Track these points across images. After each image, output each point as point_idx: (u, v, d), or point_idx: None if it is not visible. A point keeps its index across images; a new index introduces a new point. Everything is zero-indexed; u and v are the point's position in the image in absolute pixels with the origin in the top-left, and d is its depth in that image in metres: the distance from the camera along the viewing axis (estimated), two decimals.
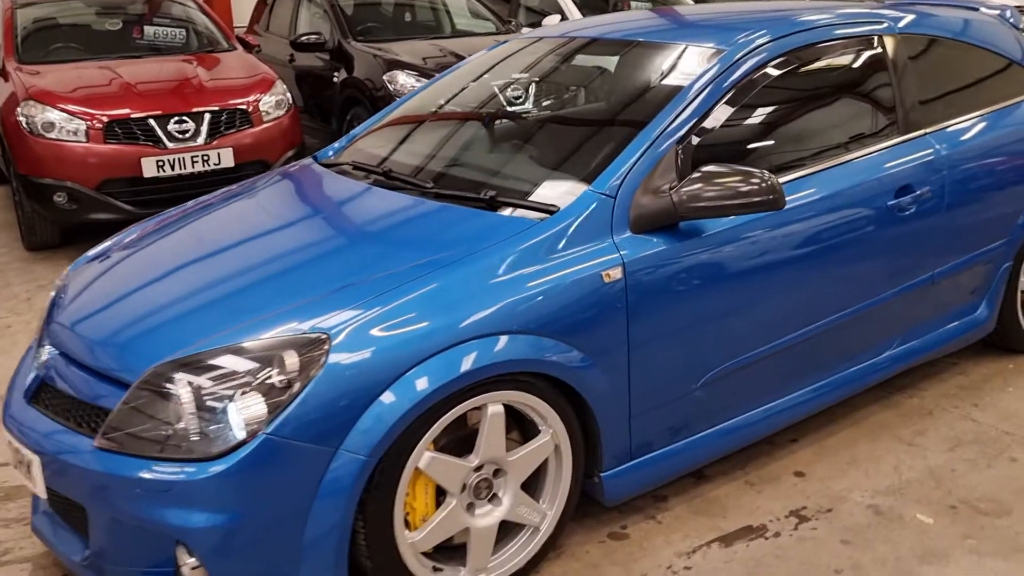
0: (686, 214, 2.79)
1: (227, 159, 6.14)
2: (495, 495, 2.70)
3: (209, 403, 2.34)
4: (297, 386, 2.33)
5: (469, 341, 2.49)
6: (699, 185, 2.79)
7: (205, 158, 6.07)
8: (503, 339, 2.53)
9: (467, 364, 2.47)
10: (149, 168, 5.95)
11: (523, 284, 2.61)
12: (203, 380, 2.36)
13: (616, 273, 2.73)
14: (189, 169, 6.03)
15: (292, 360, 2.36)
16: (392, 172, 3.28)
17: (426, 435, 2.48)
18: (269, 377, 2.35)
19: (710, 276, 2.91)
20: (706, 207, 2.78)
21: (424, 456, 2.50)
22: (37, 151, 5.91)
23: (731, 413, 3.13)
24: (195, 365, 2.39)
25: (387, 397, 2.39)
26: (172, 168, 5.99)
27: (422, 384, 2.41)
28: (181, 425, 2.32)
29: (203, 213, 3.42)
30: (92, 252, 3.33)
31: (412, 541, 2.54)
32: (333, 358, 2.36)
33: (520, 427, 2.76)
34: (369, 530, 2.46)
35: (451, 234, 2.83)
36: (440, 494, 2.60)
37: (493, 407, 2.59)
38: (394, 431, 2.39)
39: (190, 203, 3.63)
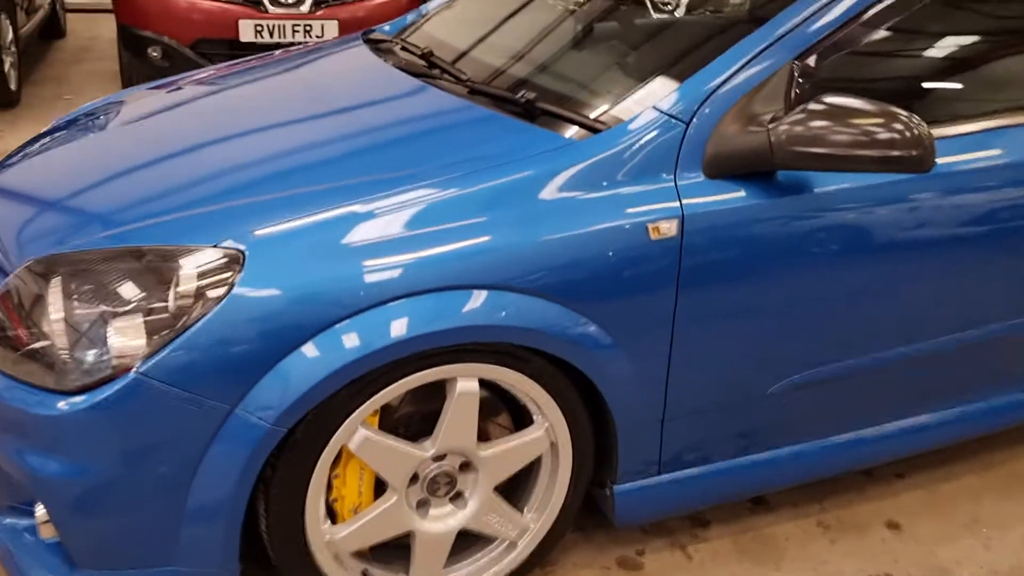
0: (788, 160, 1.98)
1: (331, 31, 5.57)
2: (459, 494, 2.05)
3: (80, 318, 1.77)
4: (189, 316, 1.73)
5: (437, 291, 1.82)
6: (817, 122, 1.97)
7: (307, 28, 5.54)
8: (483, 295, 1.84)
9: (427, 321, 1.80)
10: (247, 32, 5.47)
11: (530, 223, 1.90)
12: (82, 287, 1.79)
13: (670, 227, 1.97)
14: (288, 38, 5.52)
15: (189, 279, 1.76)
16: (433, 59, 2.58)
17: (361, 407, 1.85)
18: (157, 298, 1.75)
19: (809, 252, 2.10)
20: (821, 155, 1.97)
21: (357, 434, 1.87)
22: (138, 2, 5.57)
23: (812, 433, 2.35)
24: (77, 265, 1.82)
25: (308, 350, 1.76)
26: (271, 35, 5.49)
27: (357, 340, 1.77)
28: (42, 344, 1.77)
29: (210, 81, 2.84)
30: (75, 112, 2.81)
31: (333, 537, 1.94)
32: (242, 286, 1.74)
33: (514, 411, 2.08)
34: (272, 517, 1.87)
35: (458, 143, 2.13)
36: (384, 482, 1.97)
37: (464, 383, 1.92)
38: (312, 397, 1.77)
39: (213, 68, 3.06)
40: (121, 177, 2.20)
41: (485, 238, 1.85)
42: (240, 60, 3.11)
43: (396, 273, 1.80)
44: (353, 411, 1.84)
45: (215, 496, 1.80)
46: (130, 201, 2.04)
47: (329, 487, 1.94)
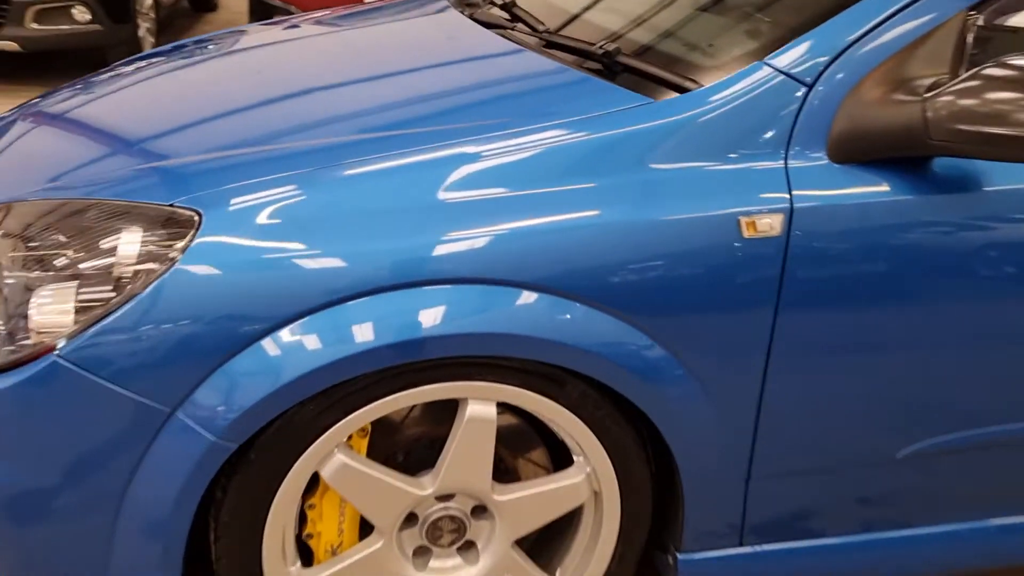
0: (950, 143, 1.44)
1: None
2: (470, 544, 1.61)
3: (12, 282, 1.43)
4: (125, 292, 1.36)
5: (446, 284, 1.38)
6: (996, 94, 1.42)
7: None
8: (507, 294, 1.39)
9: (430, 323, 1.38)
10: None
11: (578, 203, 1.43)
12: (19, 245, 1.46)
13: (772, 224, 1.46)
14: None
15: (130, 244, 1.39)
16: (512, 9, 2.14)
17: (335, 426, 1.43)
18: (94, 266, 1.40)
19: (971, 272, 1.55)
20: (997, 137, 1.41)
21: (332, 459, 1.46)
22: None
23: (956, 512, 1.77)
24: (20, 218, 1.49)
25: (269, 347, 1.36)
26: None
27: (329, 340, 1.36)
28: None
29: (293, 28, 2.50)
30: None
31: None
32: (190, 259, 1.36)
33: (553, 446, 1.62)
34: (221, 550, 1.49)
35: (515, 96, 1.69)
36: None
37: (477, 407, 1.48)
38: (268, 408, 1.38)
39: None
40: (161, 117, 1.86)
41: (524, 222, 1.41)
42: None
43: (394, 256, 1.38)
44: (325, 430, 1.43)
45: (151, 515, 1.43)
46: (150, 142, 1.71)
47: (305, 519, 1.54)
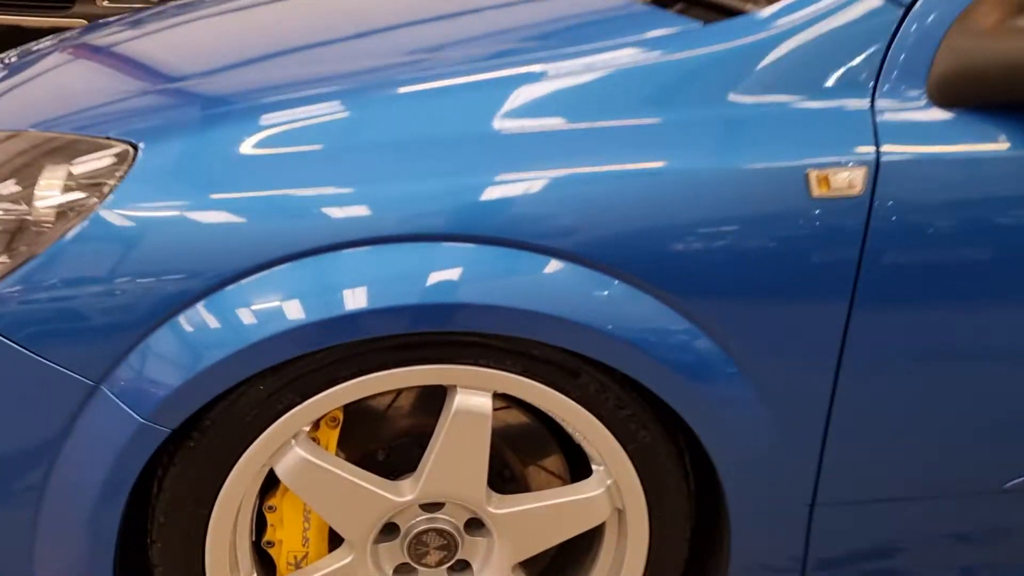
0: None
1: None
2: (463, 565, 1.32)
3: None
4: (43, 238, 1.13)
5: (452, 241, 1.11)
6: None
7: None
8: (529, 260, 1.12)
9: (422, 287, 1.11)
10: None
11: (603, 153, 1.14)
12: None
13: (852, 180, 1.14)
14: None
15: (54, 183, 1.15)
16: None
17: (293, 411, 1.17)
18: (20, 208, 1.17)
19: None
20: None
21: (289, 453, 1.19)
22: None
23: None
24: None
25: (210, 310, 1.11)
26: None
27: (297, 308, 1.10)
28: None
29: None
30: None
31: None
32: (119, 202, 1.12)
33: (577, 457, 1.34)
34: (157, 554, 1.24)
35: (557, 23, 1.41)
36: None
37: (467, 397, 1.19)
38: (205, 386, 1.12)
39: None
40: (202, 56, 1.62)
41: (558, 170, 1.13)
42: None
43: (383, 202, 1.12)
44: (279, 416, 1.16)
45: (75, 508, 1.19)
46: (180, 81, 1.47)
47: (264, 524, 1.28)
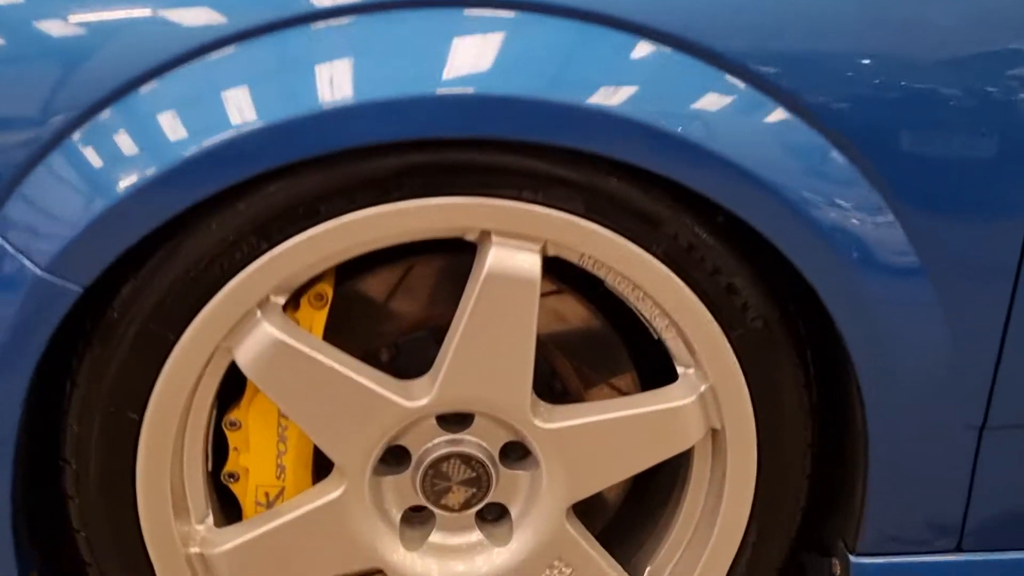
0: None
1: None
2: (498, 512, 0.96)
3: None
4: None
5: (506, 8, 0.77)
6: None
7: None
8: (572, 30, 0.77)
9: (432, 73, 0.76)
10: None
11: None
12: None
13: None
14: None
15: None
16: None
17: (257, 263, 0.82)
18: None
19: None
20: None
21: (257, 330, 0.84)
22: None
23: None
24: None
25: (108, 128, 0.77)
26: None
27: (244, 106, 0.76)
28: None
29: None
30: None
31: (208, 551, 0.92)
32: None
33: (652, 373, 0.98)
34: (71, 481, 0.88)
35: None
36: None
37: (504, 253, 0.83)
38: (128, 223, 0.78)
39: None
40: None
41: None
42: None
43: None
44: (236, 272, 0.82)
45: None
46: None
47: (226, 452, 0.93)
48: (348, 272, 0.92)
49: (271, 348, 0.84)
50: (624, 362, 0.99)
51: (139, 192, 0.76)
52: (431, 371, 0.88)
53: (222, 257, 0.80)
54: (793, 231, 0.83)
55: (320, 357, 0.85)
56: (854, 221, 0.84)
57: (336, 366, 0.85)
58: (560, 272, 0.93)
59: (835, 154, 0.82)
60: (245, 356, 0.84)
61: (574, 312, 0.96)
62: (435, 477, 0.92)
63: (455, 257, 0.91)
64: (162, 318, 0.82)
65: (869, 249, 0.84)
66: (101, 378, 0.83)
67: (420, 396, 0.87)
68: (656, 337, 0.92)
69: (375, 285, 0.93)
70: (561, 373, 0.98)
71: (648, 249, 0.84)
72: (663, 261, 0.84)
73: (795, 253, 0.83)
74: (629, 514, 1.08)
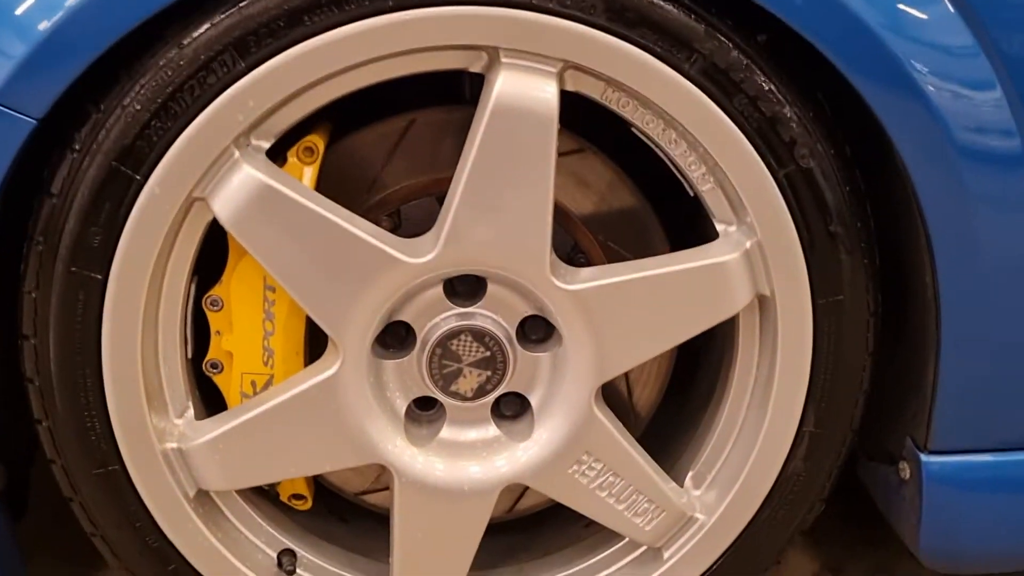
0: None
1: None
2: (519, 403, 0.85)
3: None
4: None
5: None
6: None
7: None
8: None
9: None
10: None
11: None
12: None
13: None
14: None
15: None
16: None
17: (231, 90, 0.71)
18: None
19: None
20: None
21: (237, 174, 0.74)
22: None
23: None
24: None
25: None
26: None
27: None
28: None
29: None
30: None
31: (186, 445, 0.81)
32: None
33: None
34: (31, 359, 0.78)
35: None
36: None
37: (515, 80, 0.73)
38: (78, 39, 0.69)
39: None
40: None
41: None
42: None
43: None
44: (207, 104, 0.71)
45: None
46: None
47: (207, 341, 0.83)
48: (342, 129, 0.82)
49: (254, 194, 0.74)
50: (656, 235, 0.88)
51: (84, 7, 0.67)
52: (435, 225, 0.77)
53: (193, 81, 0.70)
54: (884, 75, 0.72)
55: (311, 205, 0.74)
56: (960, 90, 0.73)
57: (329, 215, 0.75)
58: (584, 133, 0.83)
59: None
60: (224, 206, 0.74)
61: (598, 176, 0.86)
62: (444, 358, 0.80)
63: (461, 111, 0.81)
64: (126, 155, 0.72)
65: (970, 122, 0.74)
66: (60, 230, 0.73)
67: (423, 252, 0.76)
68: (692, 194, 0.81)
69: (372, 143, 0.83)
70: (585, 247, 0.87)
71: (679, 69, 0.73)
72: (697, 84, 0.73)
73: (879, 103, 0.73)
74: (665, 425, 0.96)
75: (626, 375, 0.93)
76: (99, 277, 0.74)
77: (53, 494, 0.83)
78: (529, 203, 0.76)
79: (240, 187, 0.74)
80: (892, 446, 0.91)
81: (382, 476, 0.91)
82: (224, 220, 0.75)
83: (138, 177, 0.72)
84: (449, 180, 0.78)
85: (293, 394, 0.79)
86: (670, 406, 0.96)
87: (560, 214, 0.85)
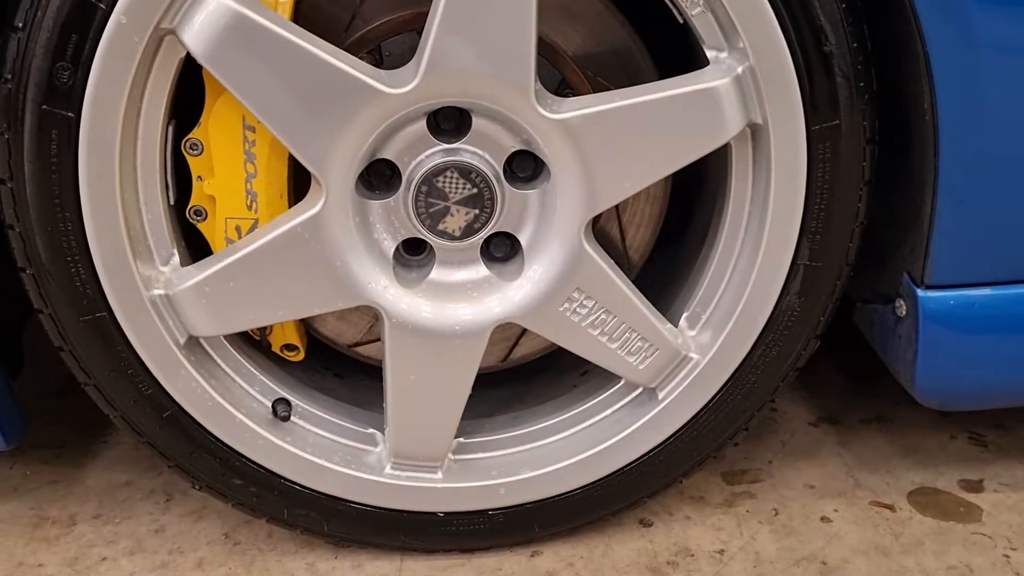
0: None
1: None
2: (507, 244, 0.83)
3: None
4: None
5: None
6: None
7: None
8: None
9: None
10: None
11: None
12: None
13: None
14: None
15: None
16: None
17: None
18: None
19: None
20: None
21: (210, 1, 0.71)
22: None
23: None
24: None
25: None
26: None
27: None
28: None
29: None
30: None
31: (171, 290, 0.80)
32: None
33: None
34: (8, 202, 0.76)
35: None
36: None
37: None
38: None
39: None
40: None
41: None
42: None
43: None
44: None
45: None
46: None
47: (189, 188, 0.81)
48: None
49: (228, 25, 0.71)
50: (647, 70, 0.85)
51: None
52: (415, 54, 0.74)
53: None
54: None
55: (287, 34, 0.72)
56: None
57: (307, 46, 0.72)
58: None
59: None
60: (197, 39, 0.71)
61: (587, 6, 0.82)
62: (430, 196, 0.79)
63: None
64: None
65: None
66: (27, 67, 0.71)
67: (404, 83, 0.74)
68: (681, 21, 0.78)
69: None
70: (574, 83, 0.84)
71: None
72: None
73: None
74: (659, 271, 0.95)
75: (619, 219, 0.91)
76: (71, 115, 0.72)
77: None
78: (511, 26, 0.73)
79: (212, 17, 0.71)
80: (889, 284, 0.90)
81: (374, 327, 0.91)
82: (198, 54, 0.72)
83: (102, 6, 0.69)
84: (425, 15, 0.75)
85: (277, 234, 0.78)
86: (665, 253, 0.95)
87: (548, 50, 0.83)
